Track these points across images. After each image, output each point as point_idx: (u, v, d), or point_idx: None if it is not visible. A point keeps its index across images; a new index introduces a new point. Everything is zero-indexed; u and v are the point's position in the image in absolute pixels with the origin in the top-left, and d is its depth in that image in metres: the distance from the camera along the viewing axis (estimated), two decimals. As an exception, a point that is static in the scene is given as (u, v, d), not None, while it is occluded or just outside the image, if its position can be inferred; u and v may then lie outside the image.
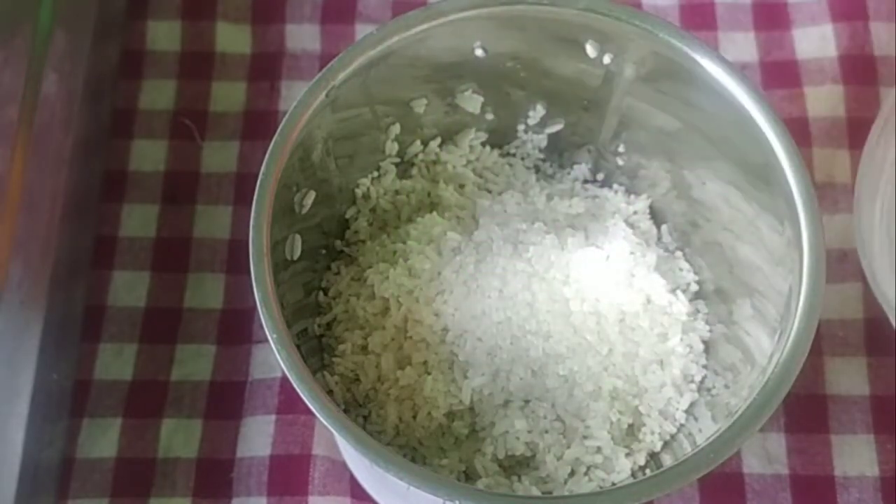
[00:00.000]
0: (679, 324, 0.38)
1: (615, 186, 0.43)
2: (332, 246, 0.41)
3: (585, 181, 0.43)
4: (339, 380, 0.38)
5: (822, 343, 0.44)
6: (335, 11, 0.52)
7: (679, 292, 0.39)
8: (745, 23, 0.51)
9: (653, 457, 0.38)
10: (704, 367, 0.39)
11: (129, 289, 0.46)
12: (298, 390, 0.32)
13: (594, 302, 0.37)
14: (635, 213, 0.42)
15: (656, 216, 0.42)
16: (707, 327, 0.39)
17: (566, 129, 0.42)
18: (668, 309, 0.38)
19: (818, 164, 0.47)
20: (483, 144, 0.43)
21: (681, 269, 0.41)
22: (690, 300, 0.40)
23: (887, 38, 0.50)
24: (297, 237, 0.37)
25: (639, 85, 0.39)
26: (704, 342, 0.39)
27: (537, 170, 0.43)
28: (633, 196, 0.42)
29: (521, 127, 0.43)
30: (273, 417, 0.43)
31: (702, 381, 0.39)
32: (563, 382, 0.37)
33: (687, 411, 0.38)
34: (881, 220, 0.42)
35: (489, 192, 0.42)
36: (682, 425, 0.38)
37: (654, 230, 0.42)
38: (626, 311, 0.38)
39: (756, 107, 0.36)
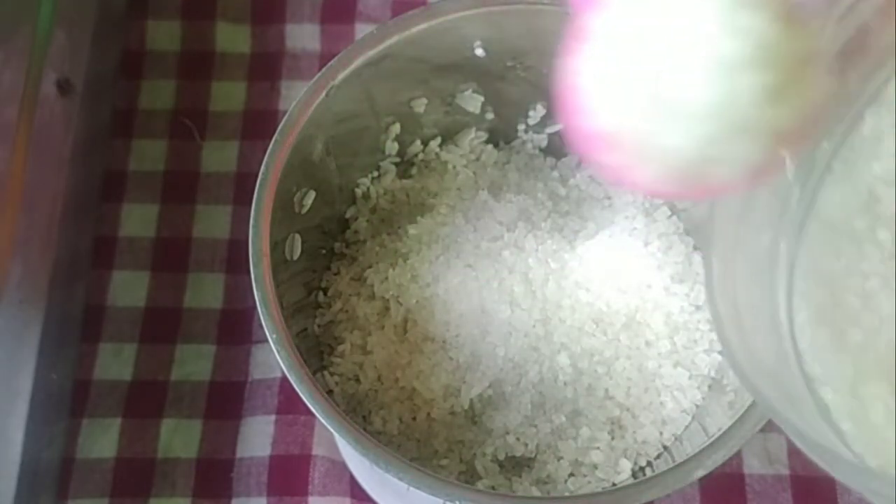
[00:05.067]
0: (683, 323, 0.38)
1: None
2: (332, 246, 0.41)
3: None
4: (339, 380, 0.38)
5: (823, 343, 0.44)
6: (335, 11, 0.52)
7: (678, 285, 0.39)
8: (746, 22, 0.51)
9: (654, 457, 0.38)
10: (706, 367, 0.39)
11: (129, 289, 0.46)
12: (298, 390, 0.32)
13: (596, 302, 0.37)
14: (655, 218, 0.41)
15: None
16: (710, 327, 0.39)
17: (566, 128, 0.42)
18: (671, 308, 0.38)
19: (819, 164, 0.47)
20: (484, 143, 0.43)
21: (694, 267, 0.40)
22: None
23: (888, 37, 0.50)
24: (297, 237, 0.37)
25: (639, 84, 0.39)
26: (707, 342, 0.39)
27: (537, 169, 0.43)
28: (633, 195, 0.42)
29: (521, 127, 0.43)
30: (273, 417, 0.43)
31: (703, 383, 0.38)
32: (564, 383, 0.37)
33: (688, 412, 0.38)
34: None
35: (489, 191, 0.42)
36: (683, 426, 0.38)
37: (674, 232, 0.41)
38: (629, 312, 0.38)
39: (756, 106, 0.35)
